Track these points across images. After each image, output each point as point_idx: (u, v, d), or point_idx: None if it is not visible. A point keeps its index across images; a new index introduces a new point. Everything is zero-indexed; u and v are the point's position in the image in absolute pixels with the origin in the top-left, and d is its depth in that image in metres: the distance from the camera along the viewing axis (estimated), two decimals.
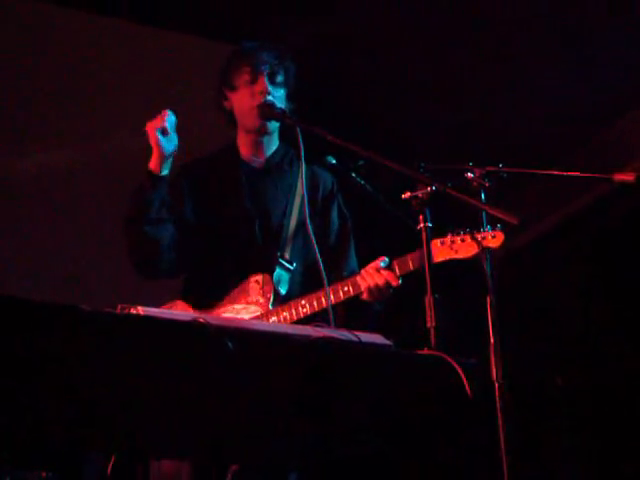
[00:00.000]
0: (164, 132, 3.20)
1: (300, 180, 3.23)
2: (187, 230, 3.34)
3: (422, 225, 2.70)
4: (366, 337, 2.54)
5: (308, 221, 3.08)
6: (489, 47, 5.28)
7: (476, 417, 2.41)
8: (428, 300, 2.61)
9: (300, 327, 2.85)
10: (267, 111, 3.28)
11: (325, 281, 3.01)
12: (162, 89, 5.16)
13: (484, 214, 2.75)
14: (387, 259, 3.16)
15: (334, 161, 3.25)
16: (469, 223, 2.87)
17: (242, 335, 2.29)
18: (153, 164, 3.24)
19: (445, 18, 5.13)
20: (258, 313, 3.20)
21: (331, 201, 3.49)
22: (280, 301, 3.25)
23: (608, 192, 5.60)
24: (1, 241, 4.68)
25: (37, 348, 2.02)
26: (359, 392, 2.36)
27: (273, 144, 3.46)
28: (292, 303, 3.20)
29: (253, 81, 3.33)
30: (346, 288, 3.16)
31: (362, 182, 3.19)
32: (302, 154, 3.13)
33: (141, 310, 2.23)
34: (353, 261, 3.44)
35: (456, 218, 2.95)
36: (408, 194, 2.73)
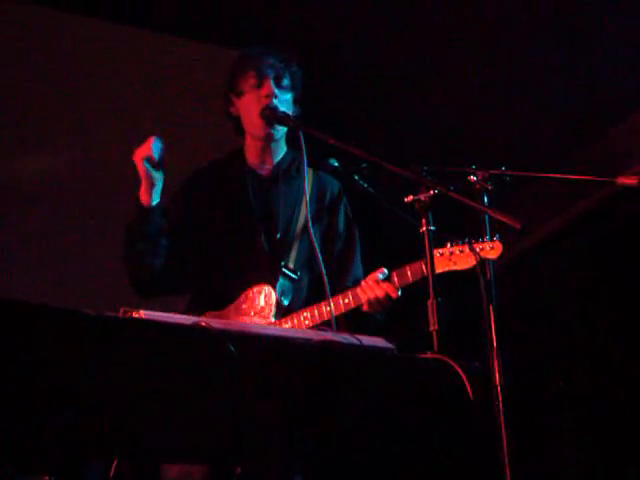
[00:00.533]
0: (151, 161, 3.14)
1: (305, 191, 3.22)
2: (192, 242, 3.33)
3: (425, 228, 2.70)
4: (368, 340, 2.54)
5: (310, 225, 3.08)
6: (492, 49, 5.28)
7: (478, 420, 2.40)
8: (431, 303, 2.61)
9: (302, 331, 2.85)
10: (270, 114, 3.27)
11: (327, 287, 3.00)
12: (165, 93, 5.18)
13: (487, 217, 2.75)
14: (386, 271, 3.17)
15: (336, 164, 3.24)
16: (472, 225, 2.86)
17: (244, 339, 2.29)
18: (143, 196, 3.19)
19: (446, 20, 5.13)
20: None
21: (337, 208, 3.47)
22: (283, 312, 3.24)
23: (611, 196, 5.60)
24: (3, 244, 4.69)
25: (39, 352, 2.02)
26: (361, 395, 2.36)
27: (281, 150, 3.44)
28: (294, 315, 3.20)
29: (259, 85, 3.30)
30: (347, 300, 3.17)
31: (365, 185, 3.19)
32: (305, 157, 3.12)
33: (143, 314, 2.23)
34: (358, 269, 3.43)
35: (459, 221, 2.95)
36: (411, 197, 2.72)
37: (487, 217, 2.75)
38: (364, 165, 3.10)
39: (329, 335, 2.53)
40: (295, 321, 3.18)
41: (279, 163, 3.43)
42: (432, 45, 5.28)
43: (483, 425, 2.40)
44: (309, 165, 3.19)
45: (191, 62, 5.27)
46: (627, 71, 5.33)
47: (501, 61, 5.35)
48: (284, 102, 3.31)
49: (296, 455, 2.29)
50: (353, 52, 5.38)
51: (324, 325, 3.10)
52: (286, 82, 3.34)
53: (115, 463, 2.41)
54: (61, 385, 2.03)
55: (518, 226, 2.50)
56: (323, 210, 3.42)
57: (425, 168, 2.75)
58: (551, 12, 5.03)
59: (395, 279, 3.15)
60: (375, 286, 3.14)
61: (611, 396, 5.57)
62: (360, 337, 2.53)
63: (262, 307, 3.22)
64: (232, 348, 2.17)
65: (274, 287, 3.24)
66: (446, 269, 3.01)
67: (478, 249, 2.87)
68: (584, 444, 5.63)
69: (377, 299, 3.12)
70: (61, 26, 5.05)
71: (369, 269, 3.29)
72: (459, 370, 2.40)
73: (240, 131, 3.45)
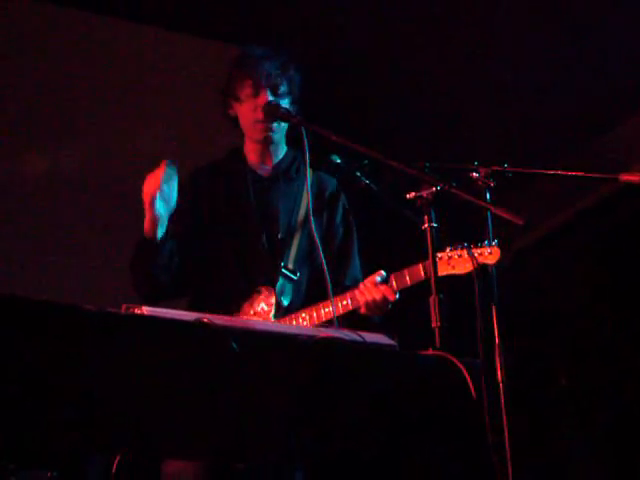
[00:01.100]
0: (161, 194, 3.04)
1: (306, 187, 3.22)
2: (195, 244, 3.33)
3: (427, 225, 2.70)
4: (370, 337, 2.54)
5: (312, 219, 3.07)
6: (494, 46, 5.28)
7: (480, 417, 2.40)
8: (433, 300, 2.61)
9: (304, 327, 2.85)
10: (272, 111, 3.27)
11: (330, 287, 3.00)
12: (169, 90, 5.18)
13: (489, 214, 2.74)
14: (384, 273, 3.17)
15: (339, 160, 3.24)
16: (474, 223, 2.86)
17: (246, 335, 2.29)
18: (147, 229, 3.12)
19: (448, 17, 5.12)
20: None
21: (336, 205, 3.47)
22: (282, 312, 3.25)
23: (614, 192, 5.59)
24: (6, 241, 4.69)
25: (41, 348, 2.02)
26: (363, 392, 2.36)
27: (281, 151, 3.44)
28: (293, 315, 3.21)
29: (255, 94, 3.31)
30: (345, 302, 3.18)
31: (367, 181, 3.19)
32: (307, 154, 3.11)
33: (145, 310, 2.23)
34: (356, 269, 3.42)
35: (461, 220, 2.95)
36: (413, 194, 2.72)
37: (489, 214, 2.75)
38: (366, 162, 3.11)
39: (331, 332, 2.53)
40: (294, 322, 3.19)
41: (279, 163, 3.44)
42: (432, 40, 5.28)
43: (484, 422, 2.40)
44: (310, 164, 3.17)
45: (193, 58, 5.27)
46: (632, 68, 5.33)
47: (502, 57, 5.34)
48: None
49: (298, 451, 2.29)
50: (354, 48, 5.38)
51: (323, 326, 3.11)
52: (283, 89, 3.34)
53: (117, 459, 2.42)
54: (63, 381, 2.03)
55: (520, 222, 2.50)
56: (322, 207, 3.42)
57: (427, 165, 2.75)
58: (553, 5, 5.02)
59: (393, 282, 3.14)
60: (373, 289, 3.14)
61: (615, 392, 5.58)
62: (362, 334, 2.53)
63: (262, 307, 3.22)
64: (234, 344, 2.17)
65: (274, 287, 3.25)
66: (444, 273, 3.00)
67: (476, 254, 2.87)
68: (587, 440, 5.63)
69: (375, 302, 3.12)
70: (59, 22, 5.04)
71: (370, 266, 3.29)
72: (461, 367, 2.40)
73: (239, 130, 3.45)
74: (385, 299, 3.12)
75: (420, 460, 2.41)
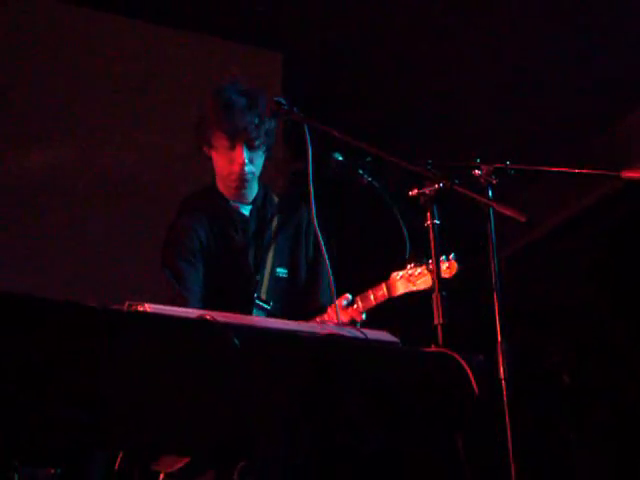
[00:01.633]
0: None
1: (274, 222, 3.40)
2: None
3: (429, 222, 2.69)
4: (373, 334, 2.54)
5: (320, 237, 3.04)
6: (497, 44, 5.28)
7: (483, 414, 2.40)
8: (435, 297, 2.61)
9: (307, 324, 2.85)
10: (274, 109, 3.25)
11: (334, 291, 3.01)
12: (170, 89, 5.18)
13: (491, 211, 2.74)
14: (350, 296, 3.27)
15: (341, 158, 3.24)
16: (475, 222, 2.86)
17: (249, 332, 2.30)
18: None
19: (449, 15, 5.12)
20: None
21: (307, 232, 3.51)
22: None
23: (616, 189, 5.59)
24: (8, 239, 4.69)
25: (44, 345, 2.02)
26: (366, 389, 2.36)
27: (254, 190, 3.47)
28: None
29: (232, 148, 3.31)
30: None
31: (369, 179, 3.18)
32: (309, 154, 3.10)
33: (148, 307, 2.24)
34: (324, 295, 3.44)
35: (464, 216, 2.95)
36: (415, 191, 2.72)
37: (492, 211, 2.74)
38: (368, 159, 3.10)
39: (334, 329, 2.54)
40: None
41: (254, 201, 3.47)
42: (434, 38, 5.28)
43: (487, 418, 2.40)
44: (270, 192, 3.41)
45: (195, 56, 5.27)
46: (633, 66, 5.33)
47: (505, 55, 5.35)
48: (256, 163, 3.35)
49: (299, 447, 2.29)
50: (357, 46, 5.38)
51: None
52: (258, 142, 3.33)
53: (120, 456, 2.42)
54: (66, 378, 2.03)
55: (523, 219, 2.50)
56: (290, 238, 3.48)
57: (430, 162, 2.74)
58: (554, 5, 5.02)
59: (359, 304, 3.25)
60: (340, 312, 3.20)
61: (618, 390, 5.58)
62: (365, 331, 2.54)
63: None
64: (237, 341, 2.18)
65: None
66: (407, 290, 3.13)
67: (434, 269, 2.87)
68: (590, 438, 5.63)
69: (344, 324, 3.17)
70: (64, 20, 5.05)
71: (371, 264, 3.31)
72: (463, 364, 2.40)
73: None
74: (353, 320, 3.23)
75: (422, 456, 2.41)
